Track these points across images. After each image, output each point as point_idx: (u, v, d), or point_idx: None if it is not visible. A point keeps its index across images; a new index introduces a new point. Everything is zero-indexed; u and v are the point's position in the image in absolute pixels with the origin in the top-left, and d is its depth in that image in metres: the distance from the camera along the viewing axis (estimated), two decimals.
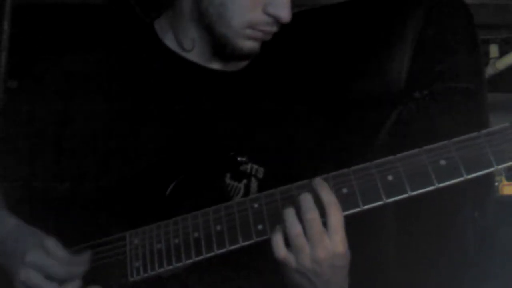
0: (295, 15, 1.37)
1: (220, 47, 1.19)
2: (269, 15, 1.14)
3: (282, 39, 1.21)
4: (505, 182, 2.38)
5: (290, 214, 0.96)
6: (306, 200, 0.96)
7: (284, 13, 1.14)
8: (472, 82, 1.32)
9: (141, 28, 1.30)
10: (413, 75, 1.34)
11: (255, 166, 1.19)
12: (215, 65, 1.25)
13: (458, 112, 1.30)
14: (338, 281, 1.01)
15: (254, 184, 1.18)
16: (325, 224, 0.96)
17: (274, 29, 1.18)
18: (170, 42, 1.24)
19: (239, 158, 1.16)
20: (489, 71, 2.29)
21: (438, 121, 1.30)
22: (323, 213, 0.96)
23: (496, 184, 2.35)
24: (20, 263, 1.03)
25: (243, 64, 1.28)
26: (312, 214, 0.95)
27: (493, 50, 2.32)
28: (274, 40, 1.21)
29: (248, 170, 1.18)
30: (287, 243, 0.97)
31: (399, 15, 1.38)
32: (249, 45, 1.17)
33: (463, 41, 1.34)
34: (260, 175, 1.19)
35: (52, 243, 1.04)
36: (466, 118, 1.30)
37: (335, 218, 0.95)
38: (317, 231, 0.95)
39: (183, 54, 1.23)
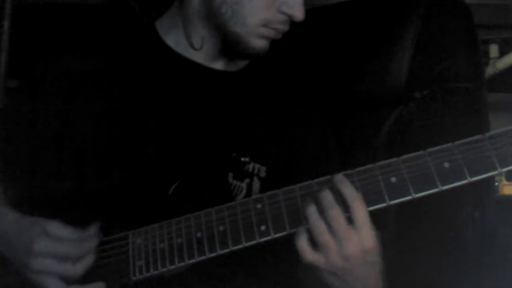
0: None
1: (230, 45, 1.19)
2: (283, 14, 1.15)
3: (283, 40, 1.21)
4: (505, 182, 2.38)
5: (312, 212, 0.95)
6: (327, 196, 0.94)
7: (298, 12, 1.15)
8: (472, 82, 1.32)
9: (142, 28, 1.30)
10: (413, 75, 1.34)
11: (257, 166, 1.19)
12: (217, 65, 1.25)
13: (458, 112, 1.30)
14: (371, 278, 0.98)
15: (256, 183, 1.18)
16: (349, 219, 0.94)
17: (286, 27, 1.19)
18: (171, 42, 1.24)
19: (242, 159, 1.16)
20: (489, 71, 2.29)
21: (438, 121, 1.30)
22: (346, 209, 0.94)
23: (496, 184, 2.35)
24: (28, 254, 1.02)
25: (243, 64, 1.28)
26: (335, 209, 0.93)
27: (493, 50, 2.32)
28: (274, 39, 1.21)
29: (250, 170, 1.18)
30: (313, 244, 0.95)
31: (399, 15, 1.38)
32: (261, 43, 1.18)
33: (463, 41, 1.34)
34: (263, 174, 1.19)
35: (56, 227, 1.04)
36: (466, 118, 1.30)
37: (361, 212, 0.93)
38: (342, 227, 0.93)
39: (185, 54, 1.23)
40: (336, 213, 0.93)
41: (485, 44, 2.29)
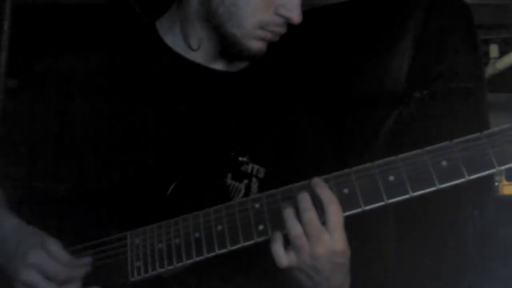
0: None
1: (227, 47, 1.19)
2: (280, 16, 1.15)
3: (283, 40, 1.21)
4: (505, 182, 2.38)
5: (290, 215, 0.97)
6: (304, 199, 0.97)
7: (295, 15, 1.15)
8: (472, 82, 1.32)
9: (142, 27, 1.30)
10: (413, 75, 1.34)
11: (256, 166, 1.19)
12: (217, 66, 1.25)
13: (458, 112, 1.30)
14: (338, 278, 1.01)
15: (254, 184, 1.18)
16: (324, 222, 0.96)
17: (283, 30, 1.19)
18: (172, 42, 1.24)
19: (240, 158, 1.16)
20: (489, 71, 2.29)
21: (438, 121, 1.30)
22: (322, 212, 0.96)
23: (496, 184, 2.35)
24: (21, 263, 1.03)
25: (244, 64, 1.28)
26: (310, 213, 0.96)
27: (493, 50, 2.32)
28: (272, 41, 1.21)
29: (249, 170, 1.18)
30: (286, 242, 0.98)
31: (399, 15, 1.38)
32: (258, 45, 1.18)
33: (463, 41, 1.34)
34: (261, 175, 1.19)
35: (53, 245, 1.04)
36: (466, 118, 1.30)
37: (334, 216, 0.96)
38: (316, 229, 0.96)
39: (184, 54, 1.23)
40: (311, 216, 0.96)
41: (485, 44, 2.29)
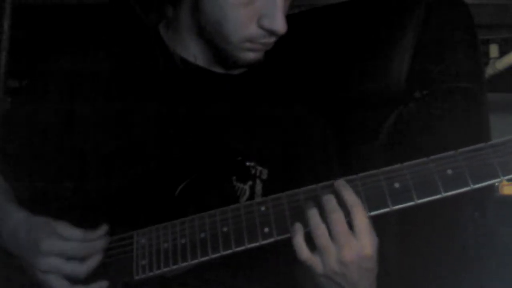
0: (295, 16, 1.37)
1: (222, 58, 1.19)
2: (264, 29, 1.12)
3: (284, 41, 1.21)
4: (505, 182, 2.38)
5: (314, 214, 0.95)
6: (330, 201, 0.95)
7: (279, 26, 1.11)
8: (472, 82, 1.32)
9: (145, 29, 1.30)
10: (413, 75, 1.34)
11: (259, 168, 1.19)
12: (219, 69, 1.24)
13: (458, 112, 1.30)
14: (366, 284, 0.99)
15: (258, 185, 1.18)
16: (349, 225, 0.95)
17: (272, 39, 1.16)
18: (174, 45, 1.24)
19: (247, 163, 1.16)
20: (489, 71, 2.29)
21: (438, 121, 1.30)
22: (347, 215, 0.95)
23: (496, 184, 2.34)
24: (36, 253, 1.03)
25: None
26: (337, 214, 0.94)
27: (493, 50, 2.32)
28: (276, 41, 1.21)
29: (253, 172, 1.18)
30: (312, 247, 0.96)
31: (399, 15, 1.38)
32: (251, 56, 1.17)
33: (463, 41, 1.34)
34: (264, 176, 1.19)
35: (64, 227, 1.05)
36: (466, 118, 1.30)
37: (361, 219, 0.94)
38: (343, 232, 0.94)
39: (187, 57, 1.23)
40: (338, 218, 0.94)
41: (485, 44, 2.29)
